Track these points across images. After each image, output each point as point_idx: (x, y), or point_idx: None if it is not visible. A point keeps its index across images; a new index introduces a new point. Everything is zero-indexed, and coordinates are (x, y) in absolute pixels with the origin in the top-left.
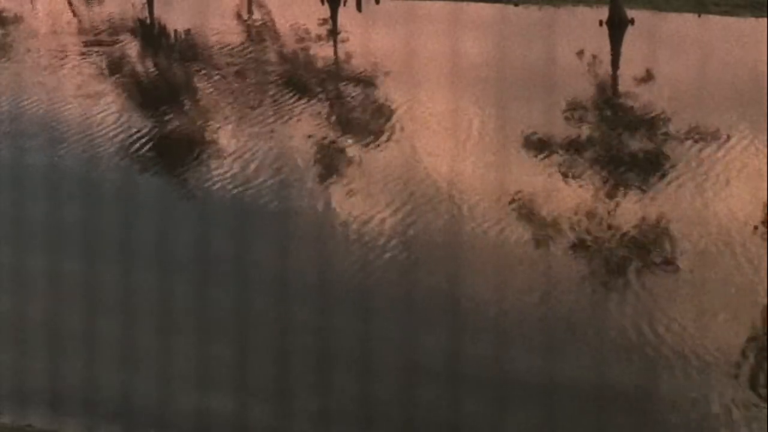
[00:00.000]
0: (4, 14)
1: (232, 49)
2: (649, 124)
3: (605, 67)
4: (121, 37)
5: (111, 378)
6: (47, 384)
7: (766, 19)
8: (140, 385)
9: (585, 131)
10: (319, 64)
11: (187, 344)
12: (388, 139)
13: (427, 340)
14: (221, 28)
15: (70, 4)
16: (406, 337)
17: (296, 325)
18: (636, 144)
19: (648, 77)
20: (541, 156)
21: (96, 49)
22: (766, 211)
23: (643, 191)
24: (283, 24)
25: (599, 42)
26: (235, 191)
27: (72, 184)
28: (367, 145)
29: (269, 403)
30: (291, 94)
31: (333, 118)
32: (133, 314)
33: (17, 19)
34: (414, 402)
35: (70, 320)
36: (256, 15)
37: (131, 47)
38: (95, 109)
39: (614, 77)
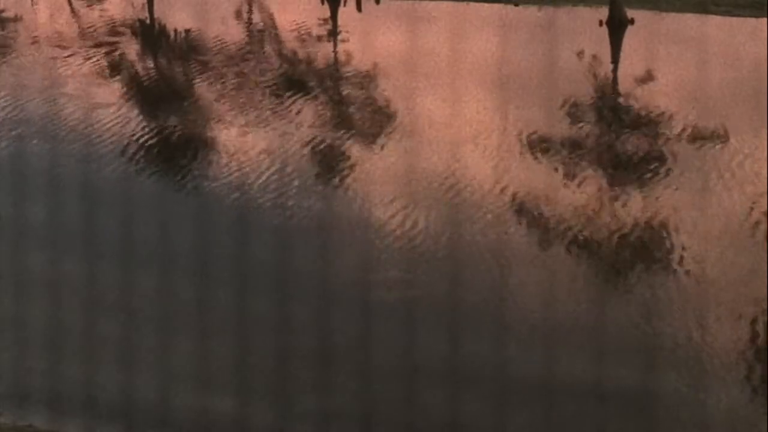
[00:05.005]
0: (4, 14)
1: (233, 49)
2: (649, 123)
3: (605, 67)
4: (121, 37)
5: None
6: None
7: (766, 19)
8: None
9: (585, 130)
10: (320, 63)
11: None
12: (391, 137)
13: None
14: (221, 29)
15: (71, 4)
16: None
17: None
18: (636, 143)
19: (648, 77)
20: (542, 155)
21: (96, 49)
22: (766, 210)
23: (644, 190)
24: (283, 24)
25: (599, 42)
26: (240, 189)
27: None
28: (369, 143)
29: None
30: (291, 94)
31: (334, 117)
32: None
33: (17, 19)
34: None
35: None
36: (257, 15)
37: (131, 47)
38: (96, 108)
39: (614, 77)
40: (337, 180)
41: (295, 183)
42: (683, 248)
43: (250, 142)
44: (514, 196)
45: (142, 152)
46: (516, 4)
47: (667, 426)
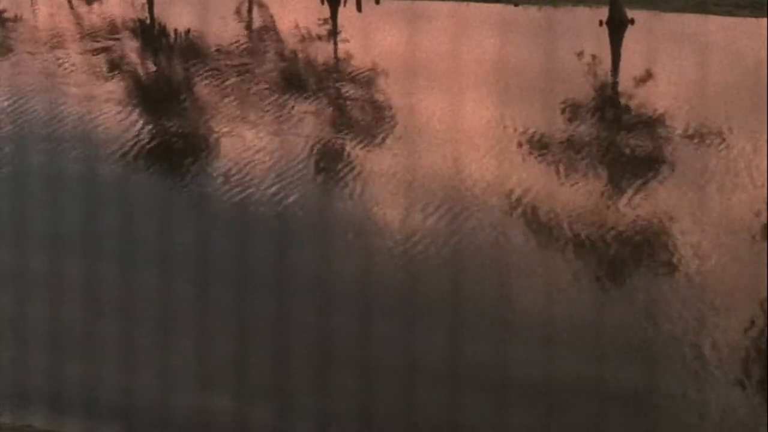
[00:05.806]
0: (4, 14)
1: (233, 48)
2: (649, 123)
3: (605, 67)
4: (121, 37)
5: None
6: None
7: (766, 19)
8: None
9: (584, 130)
10: (320, 63)
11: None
12: (392, 135)
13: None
14: (221, 28)
15: (71, 3)
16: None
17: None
18: (635, 142)
19: (648, 77)
20: (541, 153)
21: (97, 49)
22: (766, 210)
23: (642, 188)
24: (283, 24)
25: (599, 42)
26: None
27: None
28: (369, 142)
29: None
30: (291, 93)
31: (333, 116)
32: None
33: (17, 19)
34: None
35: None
36: (257, 15)
37: (132, 46)
38: (98, 108)
39: (614, 77)
40: (337, 178)
41: (296, 181)
42: (679, 248)
43: (248, 140)
44: (514, 194)
45: (139, 150)
46: (516, 4)
47: (667, 426)
